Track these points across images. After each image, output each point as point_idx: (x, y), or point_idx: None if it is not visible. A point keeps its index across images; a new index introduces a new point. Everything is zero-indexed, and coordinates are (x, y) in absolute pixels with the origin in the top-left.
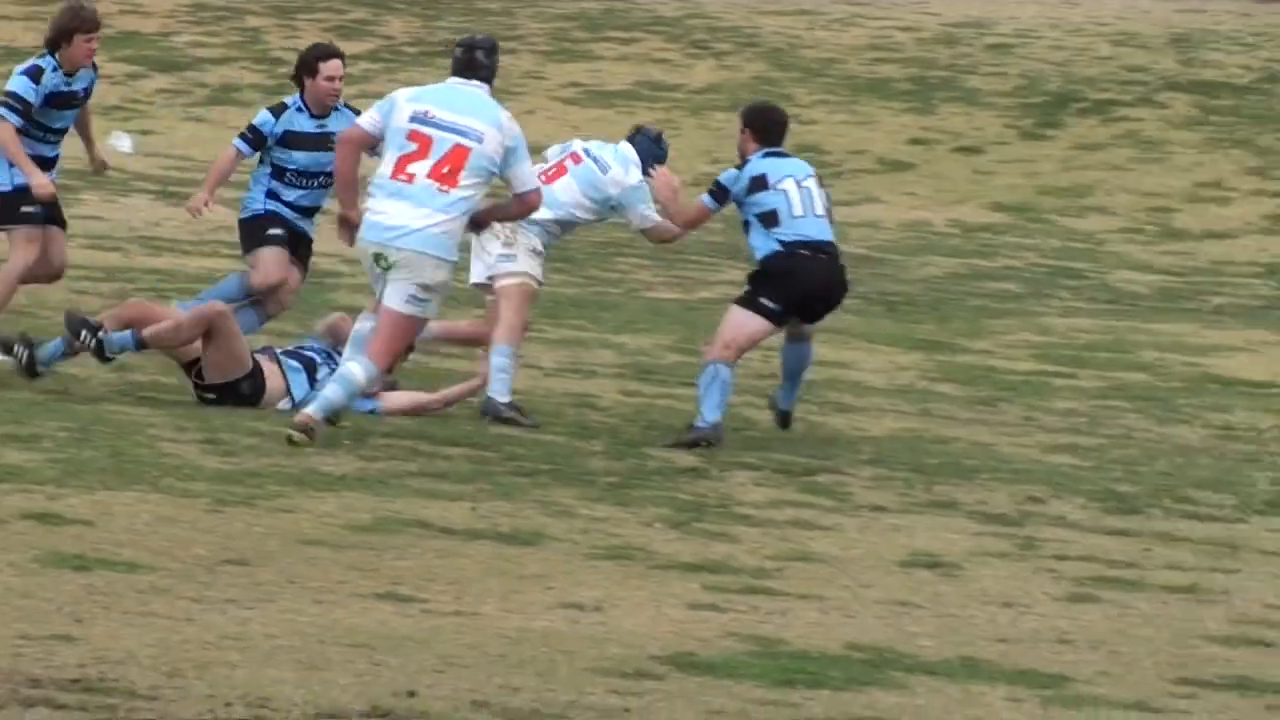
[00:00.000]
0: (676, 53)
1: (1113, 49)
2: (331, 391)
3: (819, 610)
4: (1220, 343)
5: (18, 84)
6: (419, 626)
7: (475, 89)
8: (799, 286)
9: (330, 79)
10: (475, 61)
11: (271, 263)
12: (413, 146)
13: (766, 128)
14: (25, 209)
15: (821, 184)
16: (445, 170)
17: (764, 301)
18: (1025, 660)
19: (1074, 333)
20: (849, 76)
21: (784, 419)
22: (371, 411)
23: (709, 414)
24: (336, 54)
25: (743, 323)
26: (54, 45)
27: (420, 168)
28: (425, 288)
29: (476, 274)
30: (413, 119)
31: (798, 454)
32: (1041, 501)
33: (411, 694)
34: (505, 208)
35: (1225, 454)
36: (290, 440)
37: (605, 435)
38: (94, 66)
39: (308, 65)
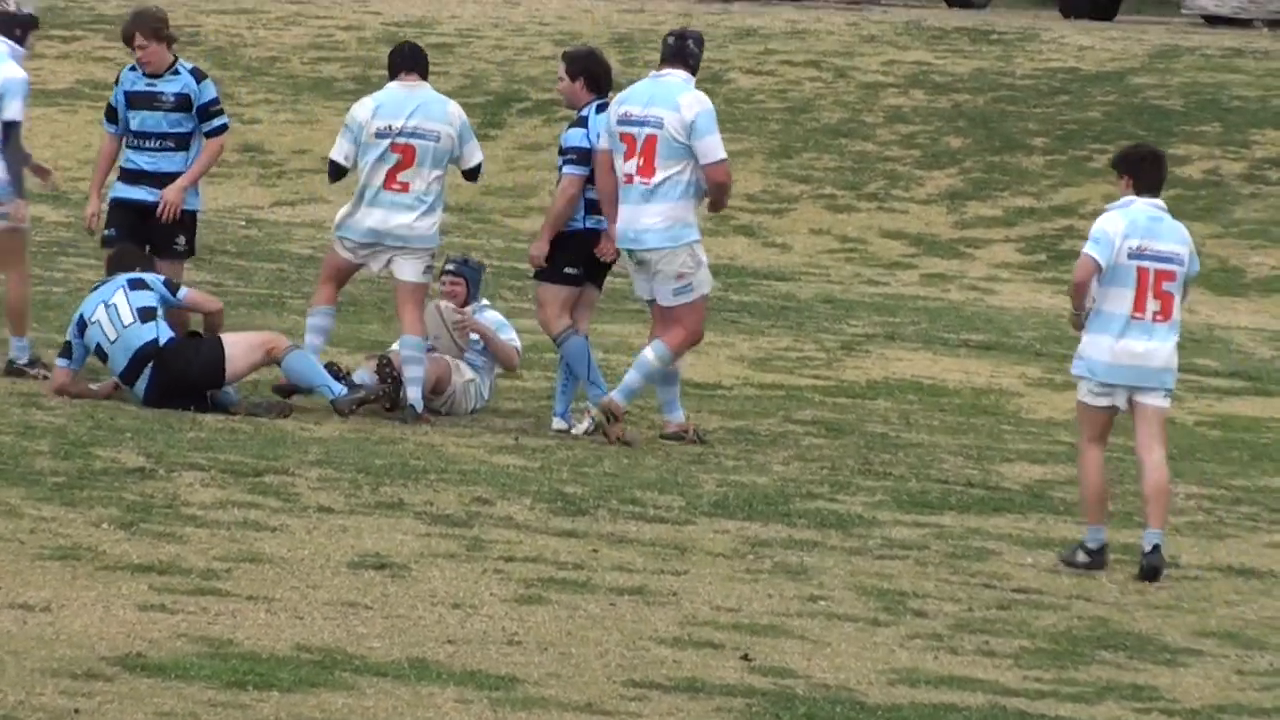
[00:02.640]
0: (120, 51)
1: (554, 49)
2: (631, 377)
3: (268, 611)
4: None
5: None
6: None
7: (669, 77)
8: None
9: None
10: (684, 50)
11: None
12: (623, 148)
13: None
14: None
15: None
16: (641, 163)
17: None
18: (474, 661)
19: (520, 333)
20: (291, 76)
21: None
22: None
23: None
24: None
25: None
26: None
27: (630, 167)
28: (680, 276)
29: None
30: (619, 121)
31: (245, 454)
32: (489, 503)
33: None
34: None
35: (672, 455)
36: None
37: (52, 435)
38: (180, 71)
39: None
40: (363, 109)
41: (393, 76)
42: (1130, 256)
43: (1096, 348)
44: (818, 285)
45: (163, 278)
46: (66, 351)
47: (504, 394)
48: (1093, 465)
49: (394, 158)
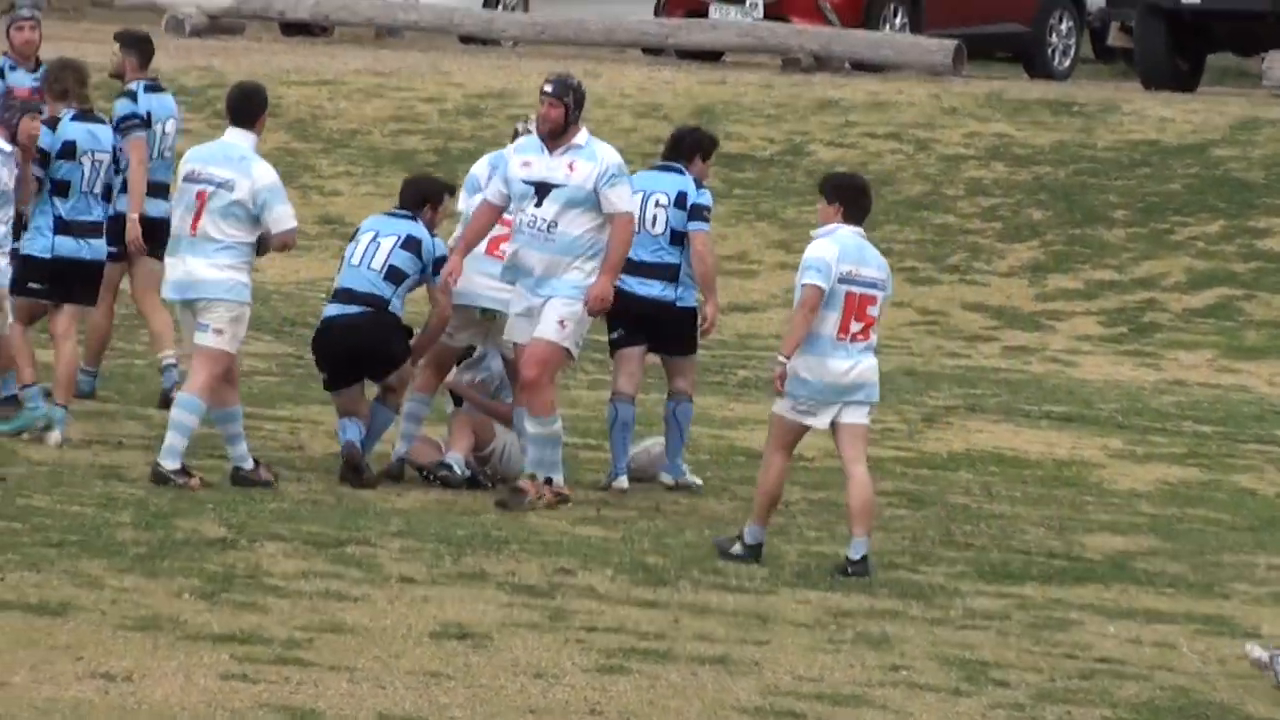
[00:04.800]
0: (199, 123)
1: (635, 120)
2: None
3: (350, 681)
4: (747, 416)
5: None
6: None
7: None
8: None
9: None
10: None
11: None
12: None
13: None
14: None
15: None
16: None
17: None
18: None
19: (601, 405)
20: (372, 148)
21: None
22: None
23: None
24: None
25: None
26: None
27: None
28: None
29: None
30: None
31: (327, 525)
32: (571, 573)
33: None
34: None
35: None
36: None
37: (134, 506)
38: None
39: None
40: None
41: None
42: (840, 281)
43: (804, 368)
44: (899, 358)
45: (442, 253)
46: None
47: (586, 464)
48: (775, 471)
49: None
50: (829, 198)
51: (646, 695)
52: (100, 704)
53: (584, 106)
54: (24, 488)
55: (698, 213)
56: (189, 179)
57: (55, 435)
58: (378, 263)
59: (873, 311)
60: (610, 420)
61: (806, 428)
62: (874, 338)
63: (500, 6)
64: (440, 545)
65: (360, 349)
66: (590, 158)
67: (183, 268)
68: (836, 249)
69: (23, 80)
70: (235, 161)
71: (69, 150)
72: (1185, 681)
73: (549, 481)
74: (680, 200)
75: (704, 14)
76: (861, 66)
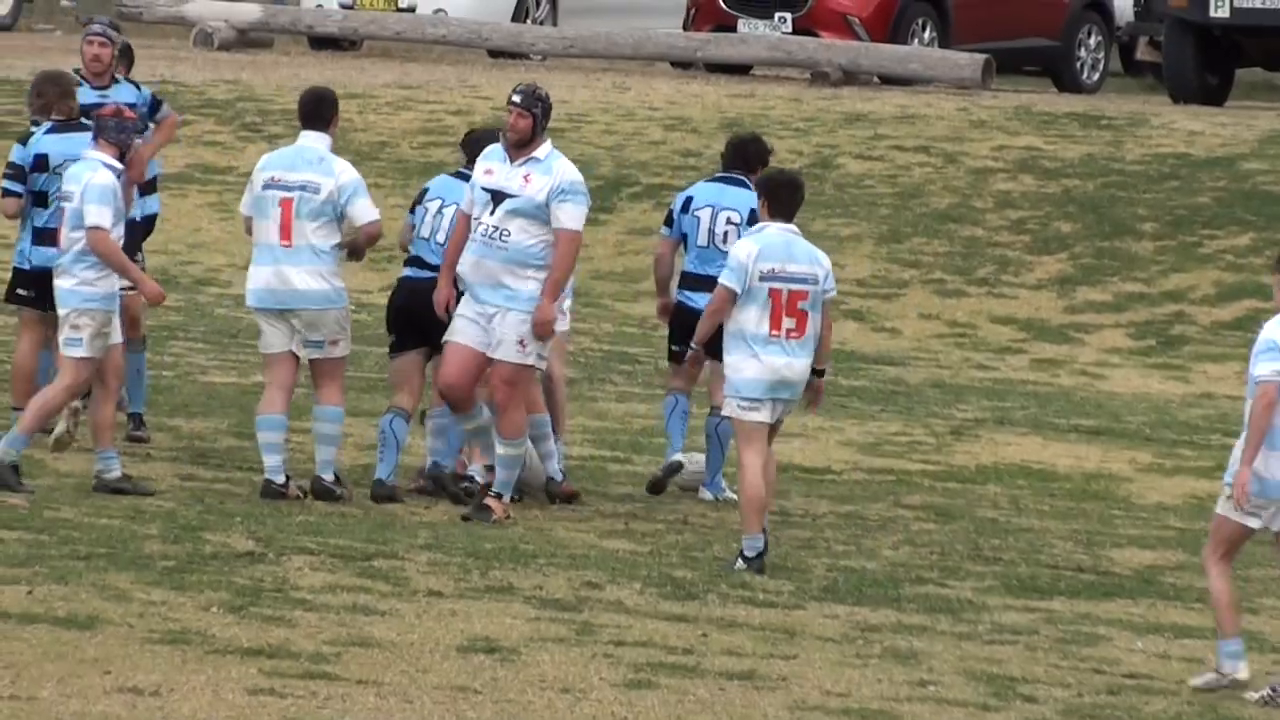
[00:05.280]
0: (228, 135)
1: (664, 133)
2: None
3: (377, 695)
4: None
5: None
6: None
7: None
8: None
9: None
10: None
11: None
12: None
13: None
14: None
15: None
16: None
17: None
18: None
19: (630, 418)
20: (400, 160)
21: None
22: None
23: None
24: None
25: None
26: None
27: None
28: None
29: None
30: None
31: (355, 538)
32: (599, 587)
33: None
34: None
35: (782, 540)
36: None
37: (162, 519)
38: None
39: None
40: None
41: None
42: (762, 279)
43: (737, 368)
44: (927, 370)
45: None
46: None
47: (614, 478)
48: (754, 475)
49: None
50: (759, 195)
51: (674, 710)
52: (128, 718)
53: (550, 118)
54: (52, 500)
55: None
56: (269, 186)
57: (59, 427)
58: (442, 235)
59: (804, 307)
60: (669, 408)
61: (763, 423)
62: (811, 333)
63: (529, 20)
64: (468, 559)
65: (426, 315)
66: (546, 171)
67: (278, 278)
68: (756, 248)
69: (87, 96)
70: (315, 164)
71: (41, 163)
72: (1214, 698)
73: (499, 496)
74: (752, 218)
75: (732, 28)
76: (890, 80)
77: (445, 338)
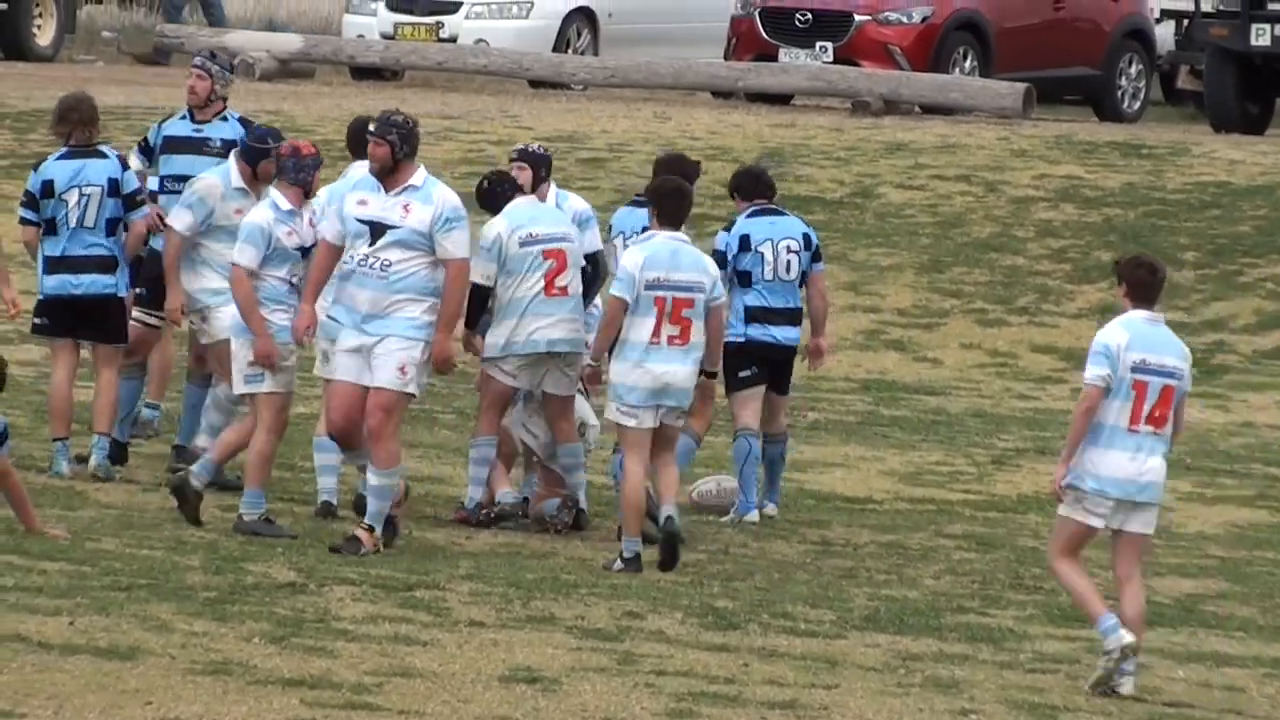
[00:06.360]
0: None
1: (706, 163)
2: None
3: None
4: (816, 458)
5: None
6: None
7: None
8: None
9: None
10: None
11: None
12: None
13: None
14: None
15: None
16: None
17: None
18: None
19: None
20: None
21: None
22: None
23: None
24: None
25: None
26: None
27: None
28: None
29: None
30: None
31: (396, 569)
32: (640, 617)
33: None
34: None
35: (824, 569)
36: None
37: (204, 550)
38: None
39: None
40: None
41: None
42: (648, 287)
43: (620, 374)
44: (968, 400)
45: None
46: None
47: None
48: (635, 480)
49: (549, 264)
50: (649, 204)
51: None
52: None
53: (416, 144)
54: (93, 531)
55: (820, 254)
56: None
57: (92, 461)
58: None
59: (689, 314)
60: (743, 456)
61: (645, 429)
62: (695, 339)
63: (570, 50)
64: (509, 589)
65: None
66: (427, 200)
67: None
68: (641, 257)
69: (176, 128)
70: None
71: (48, 189)
72: None
73: (370, 529)
74: (807, 242)
75: (774, 58)
76: (931, 109)
77: (327, 375)
